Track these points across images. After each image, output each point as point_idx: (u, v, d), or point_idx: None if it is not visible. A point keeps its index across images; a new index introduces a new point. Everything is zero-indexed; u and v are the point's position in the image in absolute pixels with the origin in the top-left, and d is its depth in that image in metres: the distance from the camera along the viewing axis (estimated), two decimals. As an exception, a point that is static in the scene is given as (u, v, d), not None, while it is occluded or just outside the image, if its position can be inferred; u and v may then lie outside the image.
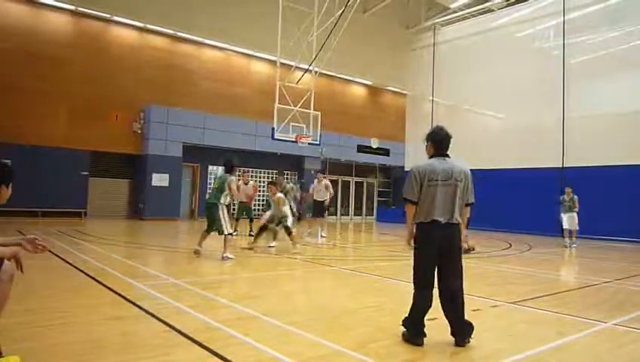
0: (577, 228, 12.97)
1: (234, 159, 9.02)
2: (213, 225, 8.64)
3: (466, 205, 3.92)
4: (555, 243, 14.10)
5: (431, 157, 3.95)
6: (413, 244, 3.91)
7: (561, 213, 13.16)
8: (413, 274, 3.88)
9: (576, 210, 12.91)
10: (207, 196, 9.29)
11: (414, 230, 3.89)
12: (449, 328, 3.76)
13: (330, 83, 24.97)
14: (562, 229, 13.39)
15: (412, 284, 3.90)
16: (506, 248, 12.22)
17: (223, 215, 8.52)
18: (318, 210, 13.97)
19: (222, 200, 8.57)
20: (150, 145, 18.84)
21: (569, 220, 12.93)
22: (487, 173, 18.81)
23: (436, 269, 3.83)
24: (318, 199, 13.85)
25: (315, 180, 14.24)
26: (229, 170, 8.84)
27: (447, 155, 3.92)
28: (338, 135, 23.83)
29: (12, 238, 2.86)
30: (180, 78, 20.37)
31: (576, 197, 13.06)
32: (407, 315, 3.86)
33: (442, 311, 3.79)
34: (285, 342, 3.70)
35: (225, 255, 8.35)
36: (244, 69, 22.45)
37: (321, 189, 13.79)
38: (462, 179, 3.83)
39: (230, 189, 8.60)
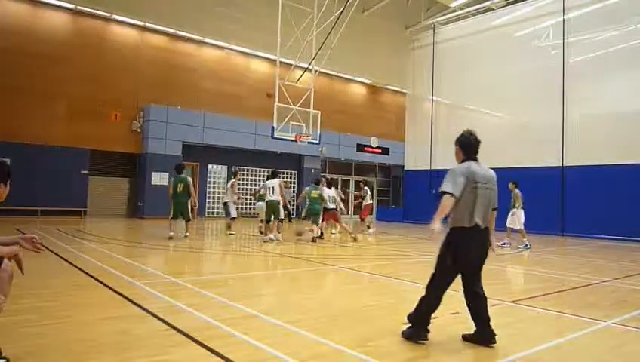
0: (516, 226, 11.97)
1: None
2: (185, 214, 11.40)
3: (492, 210, 3.90)
4: (555, 243, 14.11)
5: (461, 161, 3.86)
6: (443, 246, 3.78)
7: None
8: (436, 274, 3.80)
9: (518, 206, 11.96)
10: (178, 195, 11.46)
11: (452, 235, 3.73)
12: (475, 331, 3.76)
13: (330, 82, 24.97)
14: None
15: (428, 281, 3.82)
16: (505, 247, 12.21)
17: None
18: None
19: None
20: (150, 144, 18.83)
21: (509, 218, 12.01)
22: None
23: (464, 273, 3.80)
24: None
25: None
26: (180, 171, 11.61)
27: (477, 160, 3.87)
28: (338, 134, 23.83)
29: (10, 237, 2.84)
30: (179, 76, 20.37)
31: (517, 191, 12.09)
32: (413, 311, 3.83)
33: (471, 314, 3.80)
34: (285, 340, 3.69)
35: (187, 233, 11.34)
36: (243, 68, 22.44)
37: None
38: (494, 183, 3.86)
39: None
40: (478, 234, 3.70)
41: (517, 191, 12.15)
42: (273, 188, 11.44)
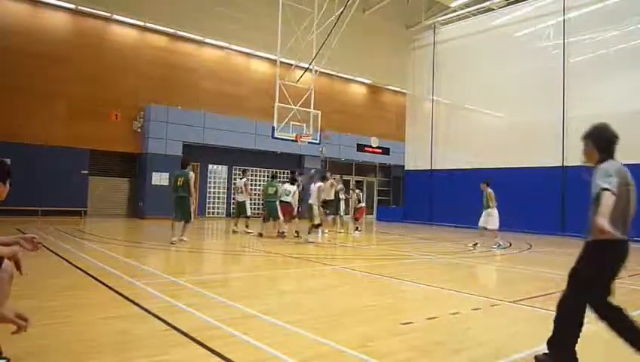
0: (492, 227, 11.63)
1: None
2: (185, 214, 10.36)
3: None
4: (556, 243, 14.10)
5: (598, 162, 3.28)
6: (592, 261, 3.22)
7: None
8: (589, 295, 3.25)
9: (492, 205, 11.60)
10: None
11: (605, 247, 3.08)
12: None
13: (330, 82, 24.97)
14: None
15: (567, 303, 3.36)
16: (506, 247, 12.22)
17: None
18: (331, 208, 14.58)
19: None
20: (150, 144, 18.83)
21: (483, 218, 11.74)
22: (488, 172, 18.76)
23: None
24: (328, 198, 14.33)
25: (329, 182, 14.50)
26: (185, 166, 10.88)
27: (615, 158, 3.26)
28: (338, 134, 23.84)
29: (10, 237, 2.84)
30: (180, 76, 20.37)
31: (490, 191, 11.71)
32: (558, 345, 3.26)
33: (617, 329, 3.30)
34: (285, 340, 3.69)
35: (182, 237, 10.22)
36: (244, 68, 22.44)
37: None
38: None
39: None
40: (627, 249, 3.14)
41: (489, 190, 11.82)
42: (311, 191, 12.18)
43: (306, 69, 17.47)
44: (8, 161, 3.13)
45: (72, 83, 17.72)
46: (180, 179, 10.58)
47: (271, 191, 12.56)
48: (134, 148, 19.29)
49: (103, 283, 5.58)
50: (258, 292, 5.91)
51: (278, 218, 12.41)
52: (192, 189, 10.55)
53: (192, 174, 10.70)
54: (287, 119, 16.67)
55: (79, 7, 17.90)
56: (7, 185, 2.95)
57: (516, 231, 16.90)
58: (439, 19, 22.96)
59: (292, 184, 12.94)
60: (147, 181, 18.66)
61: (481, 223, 11.79)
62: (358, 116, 26.52)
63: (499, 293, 5.81)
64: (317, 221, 11.70)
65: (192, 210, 10.53)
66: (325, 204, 14.28)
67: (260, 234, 12.53)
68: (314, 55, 17.20)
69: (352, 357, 3.34)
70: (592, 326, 3.32)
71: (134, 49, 19.46)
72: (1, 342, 2.91)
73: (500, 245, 11.71)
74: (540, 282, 6.87)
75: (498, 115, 20.19)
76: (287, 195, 12.61)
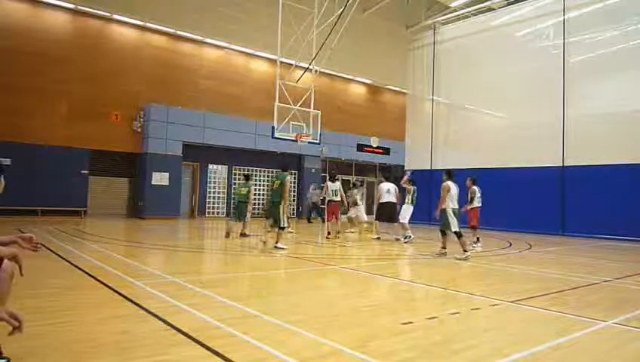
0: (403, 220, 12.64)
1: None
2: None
3: None
4: (555, 242, 14.11)
5: None
6: None
7: None
8: None
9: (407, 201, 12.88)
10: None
11: None
12: None
13: (331, 82, 24.98)
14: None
15: None
16: (506, 247, 12.22)
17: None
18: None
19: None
20: (150, 143, 18.84)
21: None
22: (487, 172, 18.77)
23: None
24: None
25: (382, 184, 14.21)
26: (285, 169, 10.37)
27: None
28: (338, 134, 23.84)
29: (8, 237, 2.84)
30: (180, 76, 20.38)
31: (410, 187, 12.90)
32: None
33: None
34: (285, 340, 3.69)
35: (277, 245, 9.61)
36: (244, 68, 22.46)
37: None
38: None
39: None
40: None
41: (411, 187, 12.83)
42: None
43: (306, 69, 17.48)
44: (7, 160, 3.14)
45: (72, 83, 17.73)
46: (276, 182, 10.04)
47: (243, 191, 12.32)
48: (134, 148, 19.31)
49: (103, 283, 5.58)
50: (258, 292, 5.91)
51: (244, 219, 12.23)
52: (285, 194, 9.79)
53: (288, 178, 10.03)
54: (287, 119, 16.68)
55: (79, 7, 17.92)
56: (2, 181, 2.98)
57: (516, 231, 16.91)
58: (439, 19, 22.95)
59: (334, 182, 13.07)
60: (147, 181, 18.68)
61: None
62: (358, 116, 26.54)
63: (499, 293, 5.81)
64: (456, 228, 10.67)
65: (283, 216, 9.73)
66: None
67: (242, 234, 12.22)
68: (314, 55, 17.20)
69: (352, 357, 3.34)
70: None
71: (134, 49, 19.47)
72: (1, 342, 2.91)
73: (408, 237, 12.42)
74: (540, 282, 6.87)
75: (498, 115, 20.18)
76: (336, 195, 12.92)
